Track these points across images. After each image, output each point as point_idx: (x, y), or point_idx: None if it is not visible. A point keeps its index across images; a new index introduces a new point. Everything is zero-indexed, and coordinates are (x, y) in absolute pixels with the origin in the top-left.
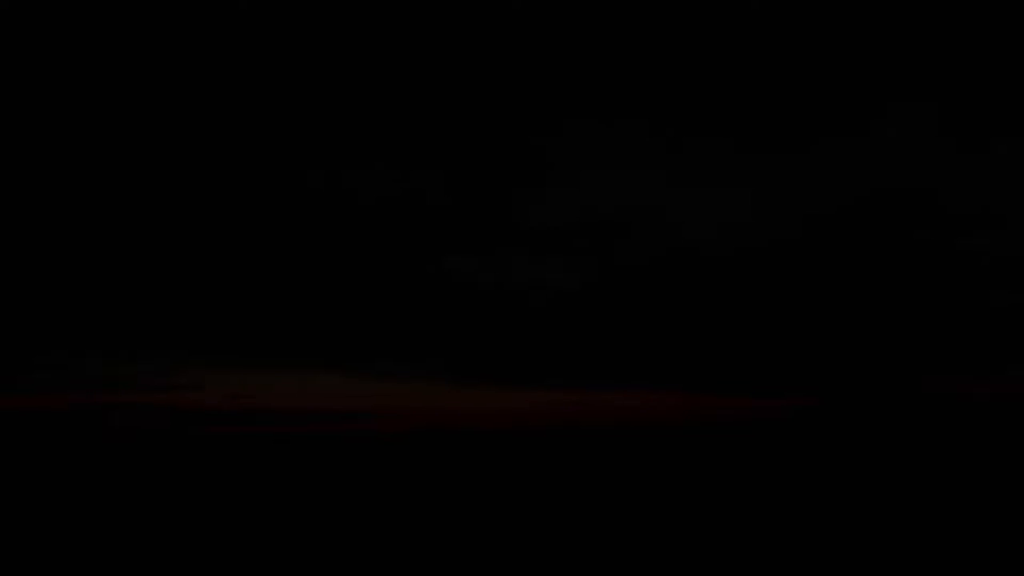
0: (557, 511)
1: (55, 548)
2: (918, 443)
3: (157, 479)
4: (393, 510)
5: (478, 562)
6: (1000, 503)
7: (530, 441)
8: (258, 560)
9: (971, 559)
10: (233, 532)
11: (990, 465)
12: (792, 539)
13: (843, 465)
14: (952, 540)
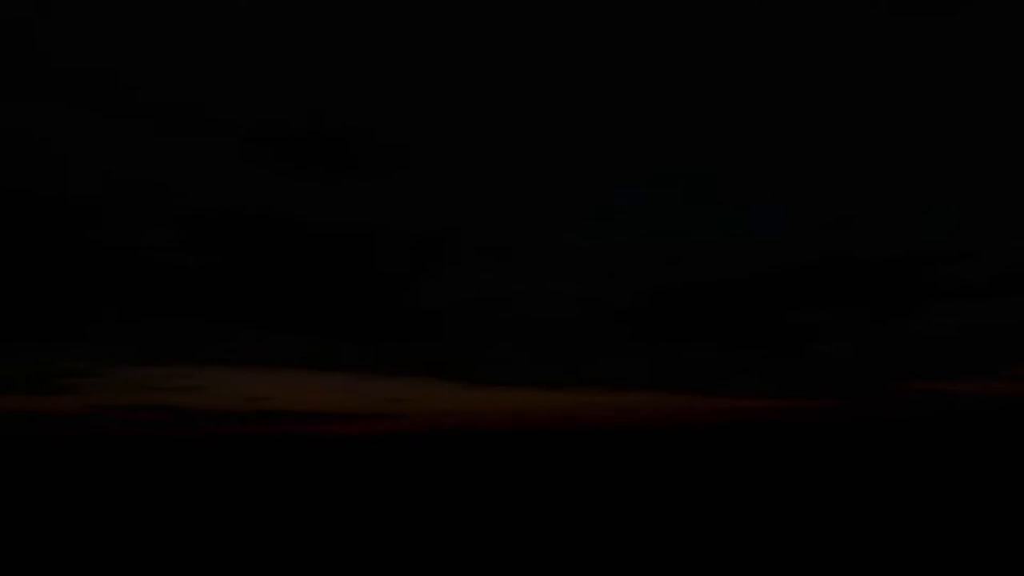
0: (568, 510)
1: (60, 548)
2: (916, 442)
3: (162, 479)
4: (400, 511)
5: (484, 564)
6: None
7: (540, 440)
8: (262, 561)
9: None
10: (237, 533)
11: (987, 463)
12: (796, 540)
13: (845, 466)
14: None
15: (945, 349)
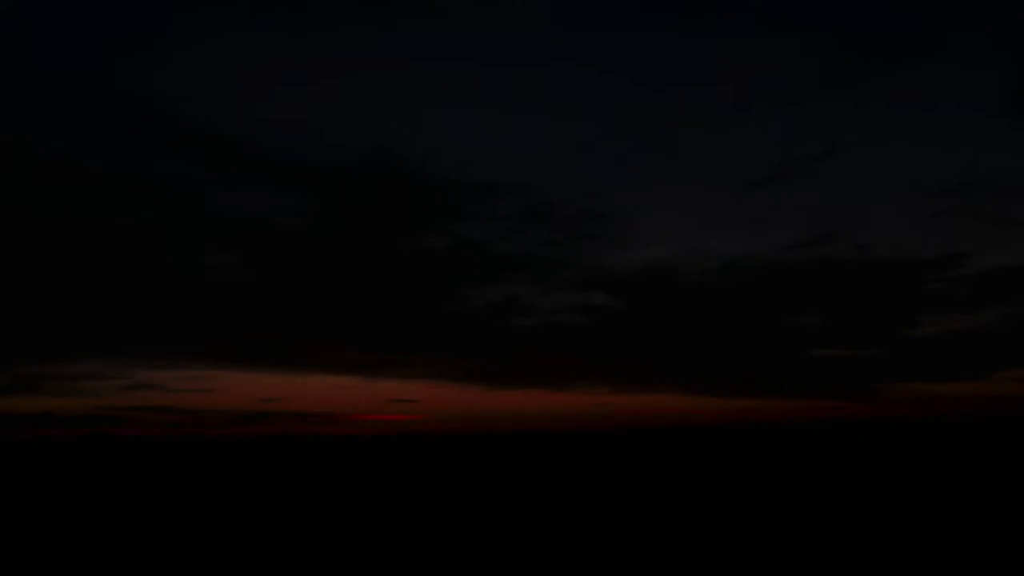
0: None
1: (72, 548)
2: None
3: (173, 479)
4: (407, 511)
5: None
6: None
7: (545, 441)
8: (270, 562)
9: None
10: (245, 533)
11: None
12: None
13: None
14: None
15: (937, 353)
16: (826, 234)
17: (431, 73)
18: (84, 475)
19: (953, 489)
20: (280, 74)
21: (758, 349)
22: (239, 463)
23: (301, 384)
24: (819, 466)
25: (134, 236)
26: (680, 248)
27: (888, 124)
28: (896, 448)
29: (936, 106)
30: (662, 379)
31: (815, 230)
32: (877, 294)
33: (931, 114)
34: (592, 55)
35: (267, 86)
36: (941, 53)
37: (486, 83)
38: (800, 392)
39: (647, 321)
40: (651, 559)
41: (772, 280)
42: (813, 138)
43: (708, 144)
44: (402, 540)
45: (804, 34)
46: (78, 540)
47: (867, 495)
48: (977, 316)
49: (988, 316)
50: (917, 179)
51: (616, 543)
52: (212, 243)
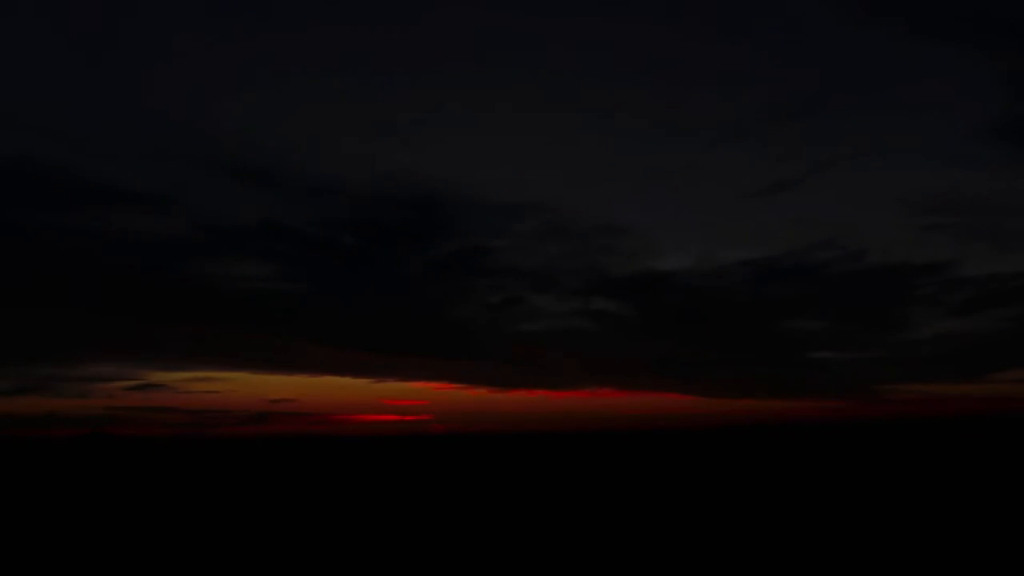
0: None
1: (79, 548)
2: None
3: (178, 479)
4: (416, 512)
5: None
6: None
7: (548, 441)
8: (273, 562)
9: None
10: (249, 534)
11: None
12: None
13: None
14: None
15: (934, 355)
16: (824, 242)
17: (439, 92)
18: (84, 476)
19: (951, 487)
20: (295, 89)
21: (759, 352)
22: (245, 463)
23: (308, 385)
24: (819, 465)
25: (141, 241)
26: (682, 255)
27: (883, 140)
28: (895, 447)
29: (928, 126)
30: (665, 381)
31: (813, 238)
32: (874, 298)
33: (924, 132)
34: (595, 66)
35: (278, 100)
36: (933, 78)
37: (491, 98)
38: (800, 392)
39: (650, 325)
40: (654, 558)
41: (771, 285)
42: (811, 151)
43: (712, 156)
44: (406, 541)
45: (803, 50)
46: (79, 540)
47: (867, 494)
48: (972, 320)
49: (981, 320)
50: (912, 192)
51: (619, 543)
52: (218, 248)
